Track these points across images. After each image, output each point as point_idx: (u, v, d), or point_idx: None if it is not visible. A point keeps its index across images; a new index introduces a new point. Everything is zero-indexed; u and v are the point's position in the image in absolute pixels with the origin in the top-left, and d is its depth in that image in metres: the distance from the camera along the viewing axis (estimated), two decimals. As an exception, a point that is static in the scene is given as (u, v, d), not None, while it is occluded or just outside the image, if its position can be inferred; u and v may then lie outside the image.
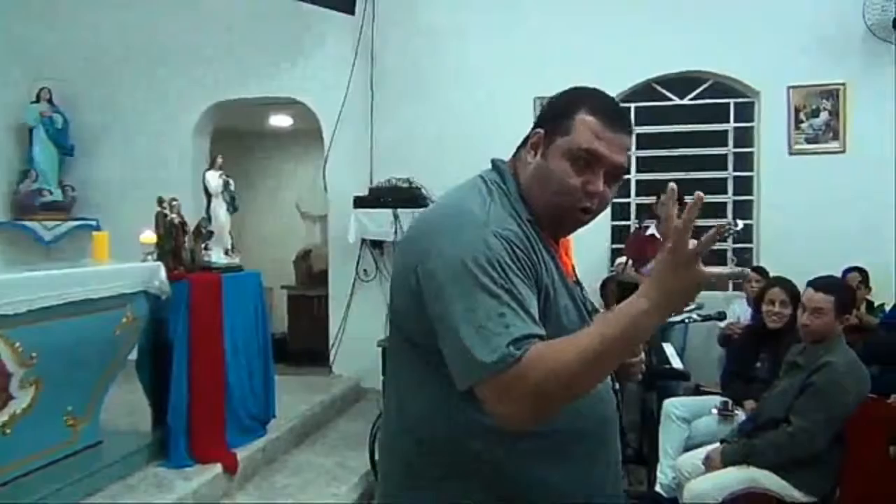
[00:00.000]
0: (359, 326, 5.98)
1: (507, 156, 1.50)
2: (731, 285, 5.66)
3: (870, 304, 4.79)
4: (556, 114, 1.39)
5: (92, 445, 3.61)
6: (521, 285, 1.24)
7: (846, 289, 3.25)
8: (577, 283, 1.48)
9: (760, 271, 4.97)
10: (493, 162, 1.47)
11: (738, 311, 4.98)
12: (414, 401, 1.38)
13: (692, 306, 4.24)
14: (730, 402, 3.70)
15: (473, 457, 1.32)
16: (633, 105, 5.87)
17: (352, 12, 5.78)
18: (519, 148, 1.46)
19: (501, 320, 1.18)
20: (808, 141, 5.52)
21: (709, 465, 3.10)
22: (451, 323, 1.21)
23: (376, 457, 4.04)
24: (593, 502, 1.39)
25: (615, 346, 1.15)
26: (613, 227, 5.88)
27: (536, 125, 1.42)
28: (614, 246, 5.78)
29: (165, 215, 3.98)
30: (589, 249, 5.47)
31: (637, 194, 5.92)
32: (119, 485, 3.49)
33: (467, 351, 1.18)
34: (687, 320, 4.14)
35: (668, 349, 4.51)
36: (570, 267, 1.48)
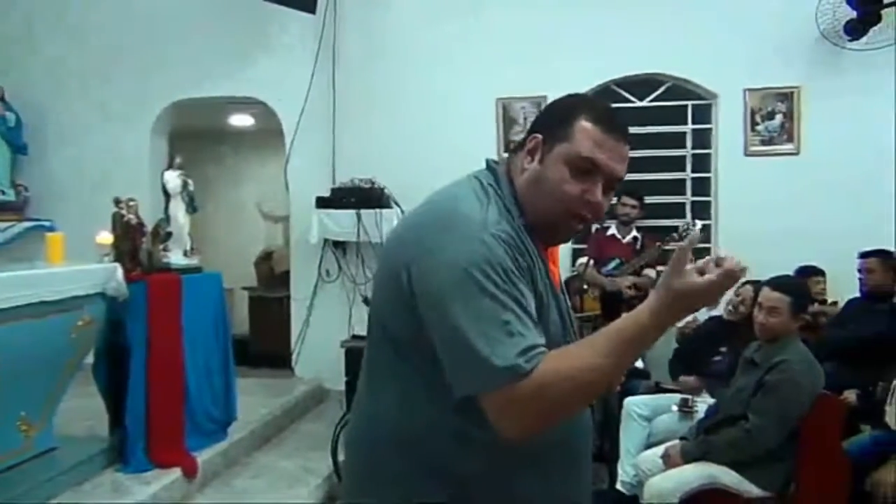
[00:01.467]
0: (321, 328, 5.95)
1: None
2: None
3: (822, 302, 4.90)
4: (554, 119, 1.36)
5: (46, 451, 3.52)
6: (524, 290, 1.22)
7: (803, 288, 3.32)
8: (562, 291, 1.46)
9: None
10: (488, 162, 1.43)
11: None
12: (390, 399, 1.35)
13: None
14: (689, 398, 3.76)
15: (449, 460, 1.30)
16: (593, 107, 5.92)
17: (313, 11, 5.74)
18: (514, 151, 1.42)
19: (507, 328, 1.17)
20: (764, 143, 5.63)
21: (668, 461, 3.14)
22: (452, 328, 1.18)
23: (339, 458, 4.04)
24: None
25: (623, 363, 1.19)
26: (575, 228, 5.91)
27: (533, 129, 1.38)
28: (575, 246, 5.82)
29: (122, 216, 3.90)
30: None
31: (598, 195, 5.96)
32: (75, 491, 3.41)
33: (473, 359, 1.16)
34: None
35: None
36: (557, 276, 1.45)
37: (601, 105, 1.38)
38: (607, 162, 1.31)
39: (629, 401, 3.87)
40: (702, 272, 1.19)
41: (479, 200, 1.31)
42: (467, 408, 1.22)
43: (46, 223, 6.10)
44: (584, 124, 1.31)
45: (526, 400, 1.14)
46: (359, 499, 1.43)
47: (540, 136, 1.35)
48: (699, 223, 5.02)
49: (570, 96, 1.41)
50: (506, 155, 1.47)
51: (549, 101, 1.45)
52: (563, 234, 1.41)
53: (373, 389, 1.41)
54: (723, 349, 4.06)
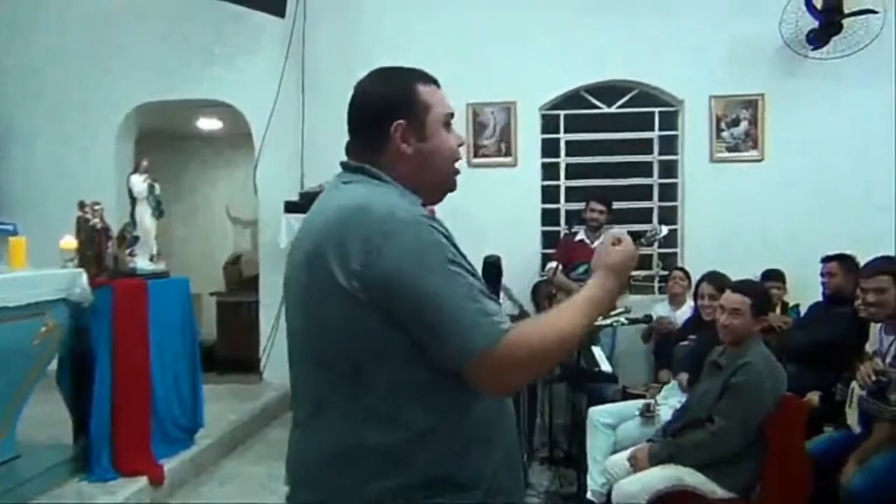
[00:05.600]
0: (290, 333, 5.90)
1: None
2: (656, 288, 5.82)
3: (784, 304, 4.99)
4: (401, 100, 1.44)
5: (8, 460, 3.46)
6: (470, 263, 1.32)
7: (763, 290, 3.39)
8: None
9: (685, 271, 5.20)
10: (361, 168, 1.43)
11: (661, 311, 5.14)
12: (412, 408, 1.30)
13: (620, 310, 4.36)
14: (651, 403, 3.81)
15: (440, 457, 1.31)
16: (562, 112, 5.99)
17: (282, 15, 5.72)
18: (367, 152, 1.44)
19: (479, 295, 1.27)
20: (729, 149, 5.73)
21: (635, 464, 3.17)
22: (433, 305, 1.24)
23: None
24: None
25: (581, 327, 1.35)
26: (544, 233, 5.97)
27: (378, 119, 1.42)
28: (544, 251, 5.86)
29: (87, 220, 3.85)
30: (519, 254, 5.54)
31: (567, 200, 6.02)
32: (38, 501, 3.35)
33: (461, 328, 1.23)
34: (615, 324, 4.24)
35: (597, 352, 4.60)
36: None
37: (415, 69, 1.52)
38: (452, 108, 1.51)
39: (593, 410, 3.90)
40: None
41: (396, 193, 1.37)
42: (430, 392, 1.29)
43: (9, 227, 5.95)
44: (425, 88, 1.46)
45: (516, 354, 1.25)
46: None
47: (402, 121, 1.42)
48: (666, 228, 5.04)
49: (384, 75, 1.51)
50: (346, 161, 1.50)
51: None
52: (447, 193, 1.53)
53: (341, 412, 1.33)
54: (692, 336, 4.19)
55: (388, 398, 1.29)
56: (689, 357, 3.99)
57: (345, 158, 1.50)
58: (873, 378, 3.14)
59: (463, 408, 1.32)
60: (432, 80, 1.50)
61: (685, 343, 4.37)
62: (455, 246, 1.31)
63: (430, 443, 1.29)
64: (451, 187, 1.53)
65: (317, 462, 1.35)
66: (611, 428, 3.82)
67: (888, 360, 3.22)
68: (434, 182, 1.48)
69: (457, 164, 1.51)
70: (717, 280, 4.08)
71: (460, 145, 1.52)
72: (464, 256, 1.32)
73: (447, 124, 1.48)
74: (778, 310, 4.76)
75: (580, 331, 1.36)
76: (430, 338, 1.25)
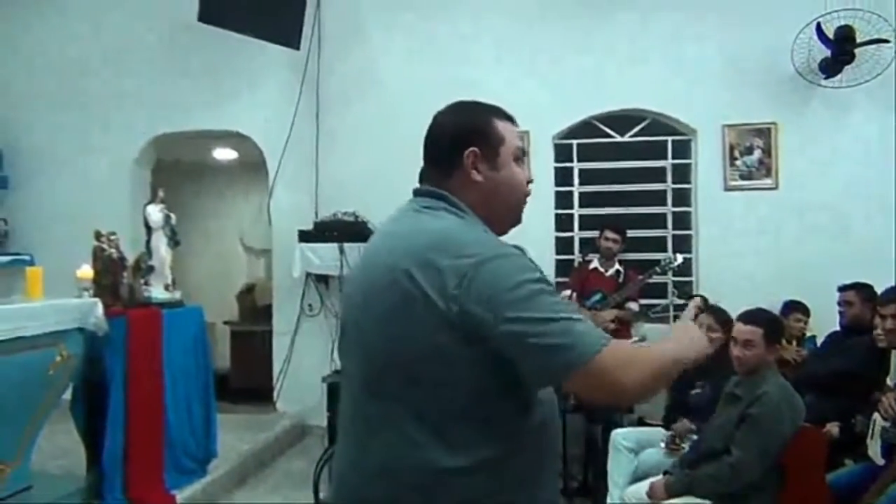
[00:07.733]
0: (304, 362, 5.90)
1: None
2: (671, 317, 5.78)
3: (801, 337, 4.92)
4: (477, 130, 1.49)
5: (21, 490, 3.45)
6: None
7: (774, 319, 3.35)
8: None
9: (705, 300, 5.13)
10: (438, 194, 1.47)
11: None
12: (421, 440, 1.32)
13: (636, 338, 4.32)
14: (676, 437, 3.75)
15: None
16: (574, 142, 6.00)
17: (297, 47, 5.79)
18: (439, 177, 1.49)
19: (576, 313, 1.30)
20: (743, 177, 5.71)
21: (653, 496, 3.13)
22: (541, 321, 1.25)
23: (321, 495, 3.98)
24: None
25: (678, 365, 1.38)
26: (557, 262, 5.96)
27: (452, 145, 1.48)
28: (559, 280, 5.84)
29: (103, 250, 3.88)
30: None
31: (580, 228, 6.01)
32: (50, 531, 3.35)
33: (571, 337, 1.24)
34: (630, 354, 4.20)
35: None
36: None
37: (493, 104, 1.57)
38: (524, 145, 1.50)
39: (616, 433, 3.87)
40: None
41: (475, 225, 1.43)
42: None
43: (26, 257, 6.04)
44: (502, 123, 1.52)
45: (629, 355, 1.29)
46: None
47: (476, 148, 1.47)
48: (681, 257, 5.06)
49: (464, 106, 1.57)
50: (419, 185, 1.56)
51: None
52: (514, 224, 1.57)
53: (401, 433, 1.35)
54: (699, 382, 4.09)
55: (453, 424, 1.31)
56: (701, 405, 3.87)
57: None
58: (897, 409, 3.10)
59: (523, 439, 1.34)
60: (508, 117, 1.55)
61: (697, 391, 4.20)
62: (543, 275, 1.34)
63: (487, 470, 1.31)
64: (518, 220, 1.57)
65: (373, 476, 1.36)
66: (632, 452, 3.77)
67: (911, 390, 3.18)
68: (501, 213, 1.51)
69: (525, 199, 1.56)
70: (717, 313, 3.96)
71: (529, 182, 1.56)
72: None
73: (518, 159, 1.52)
74: (795, 342, 4.70)
75: (680, 358, 1.38)
76: (535, 355, 1.25)
